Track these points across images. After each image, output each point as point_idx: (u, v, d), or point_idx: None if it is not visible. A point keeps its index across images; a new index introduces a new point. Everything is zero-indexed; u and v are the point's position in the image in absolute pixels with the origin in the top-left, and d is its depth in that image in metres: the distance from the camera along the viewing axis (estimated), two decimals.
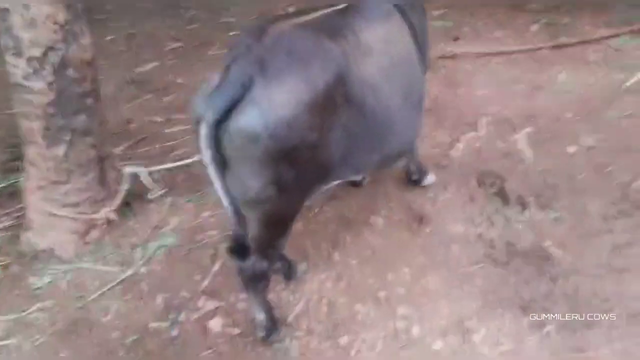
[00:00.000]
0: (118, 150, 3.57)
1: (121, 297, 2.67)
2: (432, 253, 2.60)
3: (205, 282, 2.66)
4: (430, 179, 2.99)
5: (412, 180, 2.97)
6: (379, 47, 2.04)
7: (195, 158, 3.21)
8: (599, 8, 4.65)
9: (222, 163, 1.80)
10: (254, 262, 2.08)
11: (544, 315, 2.25)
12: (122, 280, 2.75)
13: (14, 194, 3.18)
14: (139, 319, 2.53)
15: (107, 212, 2.95)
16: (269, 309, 2.26)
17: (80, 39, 2.59)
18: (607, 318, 2.21)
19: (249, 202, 1.88)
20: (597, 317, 2.21)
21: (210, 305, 2.54)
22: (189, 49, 5.49)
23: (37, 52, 2.47)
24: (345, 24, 2.01)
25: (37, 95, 2.56)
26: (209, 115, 1.71)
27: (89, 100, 2.73)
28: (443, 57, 4.22)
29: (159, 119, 4.23)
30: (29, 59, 2.48)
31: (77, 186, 2.85)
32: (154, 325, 2.49)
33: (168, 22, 6.24)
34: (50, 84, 2.55)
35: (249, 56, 1.76)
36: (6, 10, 2.40)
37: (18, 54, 2.48)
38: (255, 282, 2.15)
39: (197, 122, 1.76)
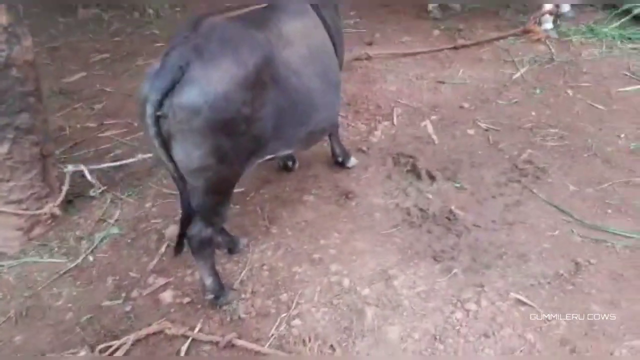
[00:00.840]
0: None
1: (71, 284, 2.81)
2: (357, 221, 2.96)
3: (154, 262, 2.86)
4: (353, 161, 3.38)
5: (338, 162, 3.35)
6: (297, 37, 2.41)
7: (134, 159, 3.40)
8: (489, 15, 5.31)
9: (166, 138, 2.05)
10: (200, 229, 2.34)
11: (451, 262, 2.66)
12: (71, 269, 2.88)
13: None
14: (92, 300, 2.69)
15: (51, 207, 3.07)
16: (215, 273, 2.51)
17: (23, 41, 2.75)
18: (501, 260, 2.65)
19: (193, 172, 2.14)
20: (493, 260, 2.66)
21: (160, 281, 2.74)
22: (115, 60, 5.60)
23: None
24: (269, 17, 2.35)
25: None
26: (152, 96, 1.98)
27: (32, 99, 2.87)
28: (359, 59, 4.65)
29: (91, 125, 4.34)
30: None
31: (21, 183, 2.96)
32: (107, 303, 2.66)
33: (91, 35, 6.31)
34: None
35: (187, 44, 2.04)
36: None
37: None
38: (203, 248, 2.40)
39: (143, 103, 2.02)
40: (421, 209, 3.03)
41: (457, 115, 3.89)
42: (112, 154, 3.87)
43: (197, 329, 2.44)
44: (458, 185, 3.20)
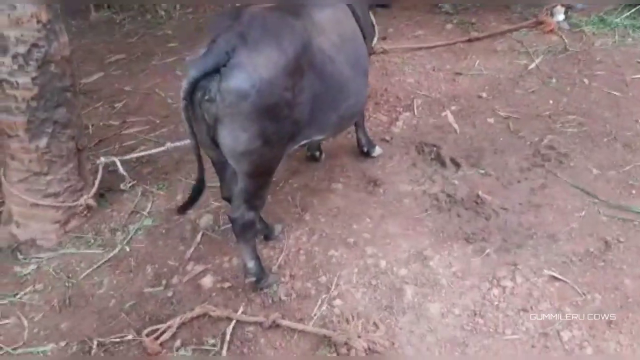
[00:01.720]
0: None
1: (111, 273, 2.88)
2: (387, 206, 3.04)
3: (190, 251, 2.93)
4: (378, 150, 3.45)
5: (363, 152, 3.42)
6: (329, 25, 2.49)
7: (163, 148, 3.48)
8: (501, 8, 5.39)
9: (210, 123, 2.16)
10: (243, 212, 2.43)
11: (483, 243, 2.74)
12: (109, 259, 2.96)
13: None
14: (133, 287, 2.77)
15: (86, 199, 3.15)
16: (257, 257, 2.58)
17: (60, 37, 2.83)
18: (532, 240, 2.73)
19: (239, 155, 2.24)
20: (524, 240, 2.73)
21: (199, 268, 2.82)
22: (131, 60, 5.66)
23: (22, 49, 2.68)
24: (302, 7, 2.44)
25: (21, 90, 2.76)
26: (191, 74, 2.08)
27: (69, 94, 2.95)
28: (375, 53, 4.73)
29: (114, 123, 4.41)
30: (14, 56, 2.69)
31: (58, 177, 3.04)
32: (148, 290, 2.73)
33: (105, 37, 6.38)
34: (34, 79, 2.75)
35: (231, 31, 2.14)
36: None
37: (4, 51, 2.67)
38: (245, 231, 2.49)
39: (189, 88, 2.11)
40: (449, 195, 3.11)
41: (476, 104, 3.96)
42: (137, 150, 3.94)
43: (239, 311, 2.52)
44: (483, 171, 3.28)
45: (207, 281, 2.72)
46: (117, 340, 2.46)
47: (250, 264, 2.56)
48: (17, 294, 2.78)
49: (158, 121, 4.39)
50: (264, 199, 2.52)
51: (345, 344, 2.23)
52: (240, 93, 2.08)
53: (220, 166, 2.45)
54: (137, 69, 5.46)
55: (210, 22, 2.27)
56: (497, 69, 4.39)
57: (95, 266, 2.92)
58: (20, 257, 3.01)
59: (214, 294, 2.66)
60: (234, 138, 2.17)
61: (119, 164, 3.25)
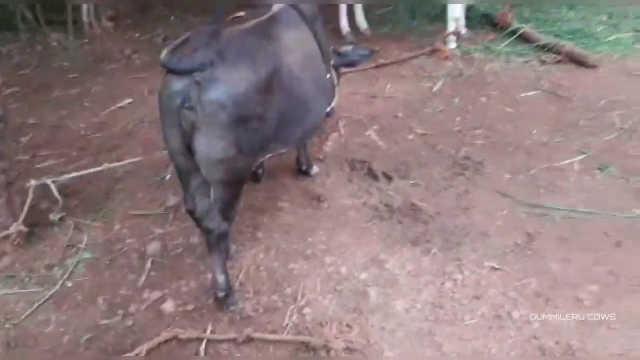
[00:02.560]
0: None
1: (56, 310, 2.73)
2: (335, 219, 3.20)
3: (143, 278, 2.86)
4: (315, 169, 3.62)
5: (302, 170, 3.57)
6: (295, 46, 2.66)
7: (100, 168, 3.37)
8: (398, 38, 5.91)
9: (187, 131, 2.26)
10: (219, 222, 2.50)
11: (428, 244, 2.99)
12: (51, 296, 2.79)
13: None
14: (86, 321, 2.64)
15: (16, 226, 2.96)
16: (227, 271, 2.62)
17: None
18: (468, 238, 3.04)
19: (215, 162, 2.34)
20: (462, 239, 3.04)
21: (156, 294, 2.76)
22: (28, 93, 5.34)
23: None
24: (271, 29, 2.60)
25: None
26: (179, 88, 2.22)
27: (0, 125, 2.78)
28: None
29: (24, 157, 4.15)
30: None
31: None
32: (104, 321, 2.62)
33: None
34: None
35: (211, 47, 2.26)
36: None
37: None
38: (220, 243, 2.56)
39: (168, 94, 2.25)
40: (387, 205, 3.35)
41: (394, 123, 4.30)
42: (57, 184, 3.73)
43: (208, 331, 2.51)
44: (412, 182, 3.58)
45: (168, 306, 2.67)
46: None
47: (221, 278, 2.58)
48: None
49: (74, 153, 4.20)
50: (237, 210, 2.62)
51: (324, 346, 2.32)
52: (219, 103, 2.21)
53: (187, 176, 2.49)
54: (37, 101, 5.16)
55: (189, 38, 2.35)
56: (406, 92, 4.80)
57: (36, 305, 2.73)
58: None
59: (177, 318, 2.61)
60: (211, 146, 2.28)
61: (52, 186, 3.10)
